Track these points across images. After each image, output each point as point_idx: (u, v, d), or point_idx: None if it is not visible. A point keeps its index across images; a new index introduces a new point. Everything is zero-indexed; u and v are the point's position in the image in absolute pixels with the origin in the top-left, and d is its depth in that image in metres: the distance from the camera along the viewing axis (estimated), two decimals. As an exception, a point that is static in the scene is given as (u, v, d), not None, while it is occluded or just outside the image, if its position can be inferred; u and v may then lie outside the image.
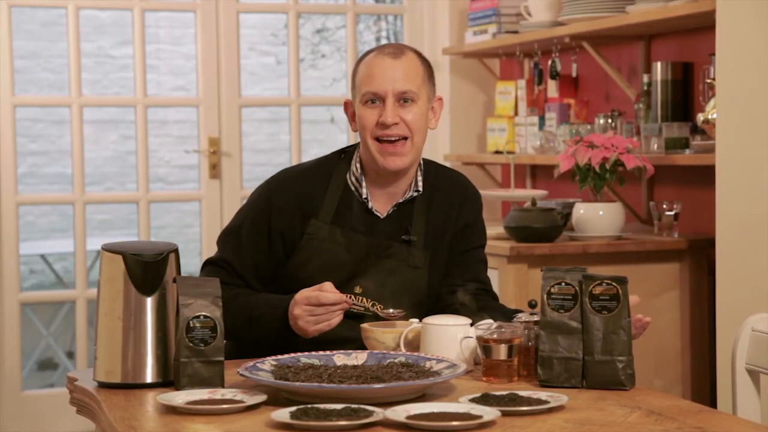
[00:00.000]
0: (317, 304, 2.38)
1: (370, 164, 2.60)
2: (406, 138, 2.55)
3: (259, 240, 2.59)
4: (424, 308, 2.58)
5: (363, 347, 2.43)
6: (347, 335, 2.51)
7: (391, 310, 2.50)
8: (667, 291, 3.92)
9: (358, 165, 2.62)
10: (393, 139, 2.54)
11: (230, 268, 2.60)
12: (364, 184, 2.61)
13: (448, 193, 2.67)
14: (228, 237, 2.64)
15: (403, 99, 2.54)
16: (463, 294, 2.63)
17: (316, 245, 2.57)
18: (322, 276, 2.46)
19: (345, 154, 2.66)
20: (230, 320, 2.37)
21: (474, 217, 2.71)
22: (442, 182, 2.69)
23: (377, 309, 2.55)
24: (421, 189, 2.64)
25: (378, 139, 2.55)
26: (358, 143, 2.65)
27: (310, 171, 2.64)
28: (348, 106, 2.65)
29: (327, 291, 2.39)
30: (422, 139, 2.59)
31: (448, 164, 5.25)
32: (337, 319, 2.40)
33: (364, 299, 2.57)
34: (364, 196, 2.60)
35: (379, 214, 2.61)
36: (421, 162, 2.67)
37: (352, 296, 2.55)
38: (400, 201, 2.63)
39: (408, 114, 2.54)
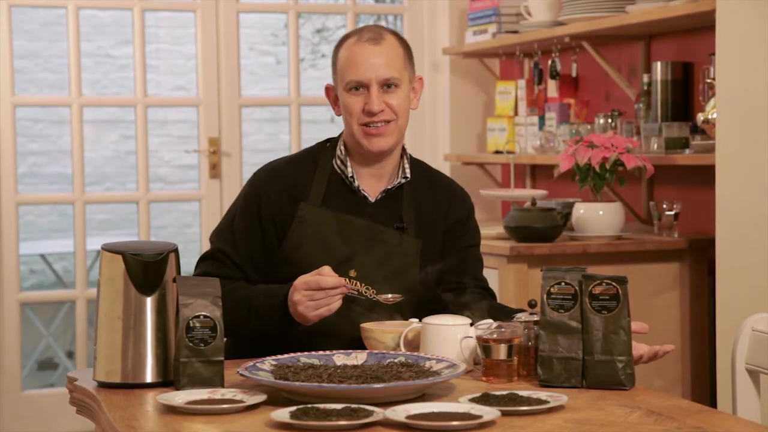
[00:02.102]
0: (317, 288, 2.37)
1: (355, 147, 2.62)
2: (389, 121, 2.57)
3: (252, 230, 2.60)
4: (415, 296, 2.58)
5: (356, 333, 2.43)
6: (340, 324, 2.50)
7: (389, 296, 2.49)
8: (667, 291, 3.92)
9: (342, 148, 2.64)
10: (379, 125, 2.56)
11: (227, 259, 2.60)
12: (349, 164, 2.62)
13: (436, 190, 2.69)
14: (221, 232, 2.65)
15: (387, 85, 2.56)
16: (461, 293, 2.63)
17: (307, 228, 2.57)
18: (315, 258, 2.48)
19: (330, 144, 2.68)
20: (229, 314, 2.37)
21: (465, 215, 2.71)
22: (430, 179, 2.71)
23: (371, 293, 2.55)
24: (409, 176, 2.65)
25: (364, 125, 2.57)
26: (342, 132, 2.67)
27: (295, 160, 2.68)
28: (329, 91, 2.67)
29: (326, 275, 2.38)
30: (406, 120, 2.62)
31: (448, 164, 5.28)
32: (337, 303, 2.39)
33: (358, 283, 2.57)
34: (350, 174, 2.61)
35: (367, 196, 2.62)
36: (406, 150, 2.68)
37: (347, 279, 2.55)
38: (389, 188, 2.64)
39: (392, 98, 2.57)
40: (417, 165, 2.71)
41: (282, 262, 2.58)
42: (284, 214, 2.59)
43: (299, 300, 2.40)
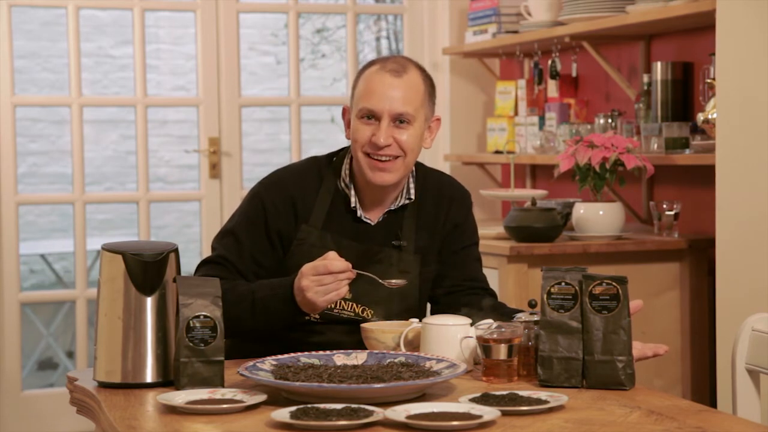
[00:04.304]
0: (326, 272, 2.34)
1: (358, 174, 2.59)
2: (397, 157, 2.54)
3: (258, 238, 2.57)
4: (414, 314, 2.58)
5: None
6: (339, 340, 2.50)
7: (392, 280, 2.47)
8: (667, 291, 3.92)
9: (347, 171, 2.61)
10: (383, 159, 2.53)
11: (231, 266, 2.57)
12: (353, 192, 2.60)
13: (435, 198, 2.66)
14: (225, 238, 2.61)
15: (399, 120, 2.52)
16: (461, 293, 2.63)
17: (306, 250, 2.54)
18: None
19: (336, 158, 2.65)
20: (232, 308, 2.36)
21: (463, 217, 2.69)
22: (430, 188, 2.67)
23: (367, 314, 2.55)
24: (413, 197, 2.62)
25: (368, 155, 2.54)
26: (349, 147, 2.64)
27: (302, 174, 2.63)
28: (345, 113, 2.64)
29: (333, 260, 2.36)
30: (414, 158, 2.58)
31: (448, 164, 5.28)
32: (344, 288, 2.37)
33: (354, 305, 2.56)
34: (353, 204, 2.59)
35: (369, 221, 2.61)
36: (413, 169, 2.64)
37: (342, 302, 2.54)
38: (392, 209, 2.62)
39: (402, 135, 2.52)
40: (418, 176, 2.67)
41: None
42: (290, 230, 2.57)
43: (308, 286, 2.37)
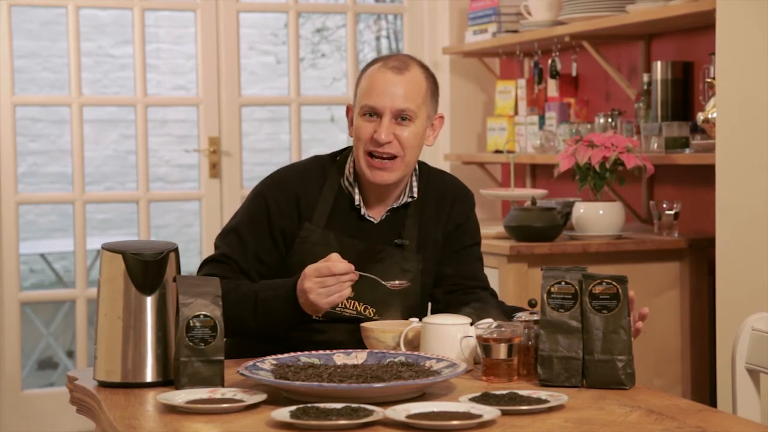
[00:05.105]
0: (328, 274, 2.35)
1: (361, 172, 2.59)
2: (396, 156, 2.54)
3: (261, 237, 2.58)
4: (416, 312, 2.58)
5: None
6: (340, 339, 2.50)
7: (395, 282, 2.47)
8: (667, 291, 3.92)
9: (351, 170, 2.61)
10: (384, 156, 2.53)
11: (234, 264, 2.57)
12: (357, 190, 2.60)
13: (438, 197, 2.67)
14: (228, 236, 2.62)
15: (401, 117, 2.53)
16: (461, 293, 2.63)
17: (309, 248, 2.55)
18: None
19: (340, 157, 2.66)
20: (235, 308, 2.36)
21: (465, 216, 2.70)
22: (433, 187, 2.67)
23: (369, 312, 2.55)
24: (416, 195, 2.63)
25: (369, 154, 2.54)
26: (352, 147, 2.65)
27: (305, 172, 2.63)
28: (349, 111, 2.64)
29: (335, 261, 2.36)
30: (415, 156, 2.58)
31: (448, 164, 5.28)
32: (347, 290, 2.37)
33: (357, 303, 2.56)
34: (356, 202, 2.60)
35: (372, 220, 2.61)
36: (417, 167, 2.65)
37: (345, 301, 2.54)
38: (394, 206, 2.62)
39: (403, 132, 2.53)
40: (422, 175, 2.67)
41: (284, 277, 2.56)
42: (292, 227, 2.58)
43: (310, 288, 2.37)
